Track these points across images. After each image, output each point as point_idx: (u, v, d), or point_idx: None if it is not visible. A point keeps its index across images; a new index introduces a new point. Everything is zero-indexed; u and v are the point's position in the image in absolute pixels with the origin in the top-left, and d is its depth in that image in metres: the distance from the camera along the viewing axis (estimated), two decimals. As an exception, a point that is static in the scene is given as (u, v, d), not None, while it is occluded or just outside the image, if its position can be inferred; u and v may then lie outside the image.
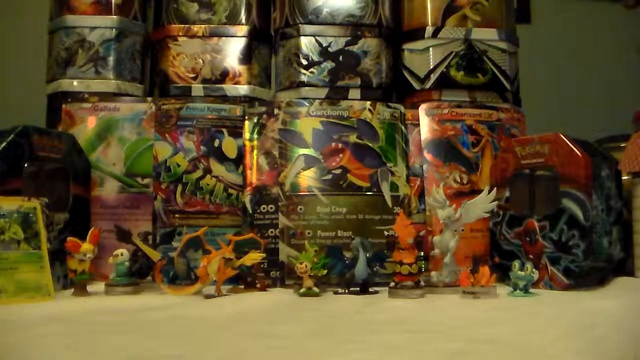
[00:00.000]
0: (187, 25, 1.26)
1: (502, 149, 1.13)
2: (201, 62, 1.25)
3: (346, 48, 1.24)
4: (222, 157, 1.15)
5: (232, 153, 1.15)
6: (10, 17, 1.78)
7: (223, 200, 1.13)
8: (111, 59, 1.24)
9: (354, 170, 1.11)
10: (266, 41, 1.31)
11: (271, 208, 1.09)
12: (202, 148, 1.14)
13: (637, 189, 1.06)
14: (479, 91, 1.24)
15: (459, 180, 1.15)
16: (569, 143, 0.99)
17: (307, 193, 1.09)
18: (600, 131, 1.36)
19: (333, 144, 1.12)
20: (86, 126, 1.15)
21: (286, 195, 1.09)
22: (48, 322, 0.74)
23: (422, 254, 1.05)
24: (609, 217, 0.99)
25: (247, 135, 1.14)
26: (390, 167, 1.13)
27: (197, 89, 1.24)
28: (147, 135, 1.15)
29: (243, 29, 1.27)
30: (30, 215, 0.91)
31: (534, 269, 0.93)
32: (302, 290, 0.94)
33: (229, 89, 1.25)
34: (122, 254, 0.96)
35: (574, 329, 0.70)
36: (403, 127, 1.16)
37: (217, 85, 1.25)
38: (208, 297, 0.92)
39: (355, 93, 1.23)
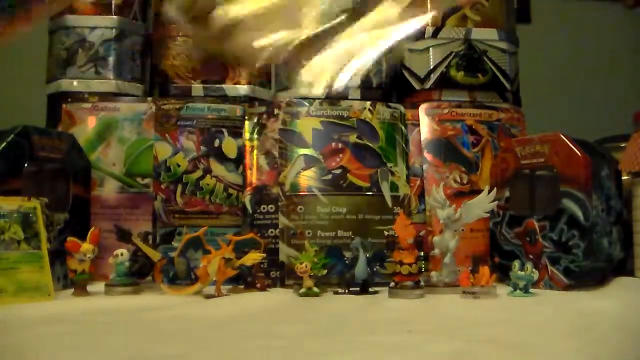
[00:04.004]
0: (187, 25, 1.26)
1: (502, 149, 1.13)
2: (201, 62, 1.25)
3: (346, 48, 1.24)
4: (222, 157, 1.14)
5: (232, 153, 1.15)
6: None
7: (223, 200, 1.13)
8: (111, 59, 1.24)
9: (354, 170, 1.11)
10: (266, 41, 1.31)
11: (271, 208, 1.09)
12: (202, 148, 1.14)
13: (637, 189, 1.06)
14: (479, 91, 1.24)
15: (459, 180, 1.15)
16: (569, 143, 0.99)
17: (307, 193, 1.09)
18: (600, 131, 1.36)
19: (333, 144, 1.12)
20: (86, 126, 1.15)
21: (286, 195, 1.09)
22: (48, 322, 0.74)
23: (422, 254, 1.05)
24: (609, 217, 0.99)
25: (247, 135, 1.14)
26: (390, 167, 1.13)
27: (197, 89, 1.24)
28: (147, 135, 1.15)
29: (243, 29, 1.27)
30: (30, 215, 0.91)
31: (534, 269, 0.93)
32: (302, 290, 0.94)
33: (229, 89, 1.25)
34: (122, 254, 0.96)
35: (574, 329, 0.70)
36: (403, 127, 1.16)
37: (217, 85, 1.25)
38: (208, 297, 0.92)
39: (355, 93, 1.23)
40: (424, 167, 1.15)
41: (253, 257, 0.95)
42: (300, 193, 1.09)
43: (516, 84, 1.29)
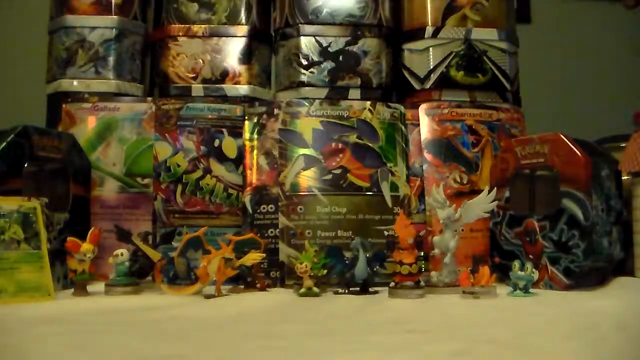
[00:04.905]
0: (187, 25, 1.26)
1: (502, 149, 1.13)
2: (201, 62, 1.25)
3: (346, 48, 1.24)
4: (222, 157, 1.15)
5: (232, 153, 1.15)
6: (11, 17, 1.78)
7: (223, 200, 1.13)
8: (111, 59, 1.24)
9: (354, 170, 1.11)
10: (266, 41, 1.31)
11: (271, 208, 1.09)
12: (202, 148, 1.14)
13: (637, 189, 1.06)
14: (479, 91, 1.24)
15: (459, 180, 1.15)
16: (569, 143, 0.99)
17: (307, 193, 1.09)
18: (600, 131, 1.37)
19: (333, 144, 1.12)
20: (86, 126, 1.15)
21: (286, 195, 1.09)
22: (48, 322, 0.74)
23: (422, 254, 1.05)
24: (609, 217, 0.99)
25: (247, 135, 1.14)
26: (390, 167, 1.13)
27: (197, 89, 1.24)
28: (147, 135, 1.15)
29: (243, 29, 1.27)
30: (30, 215, 0.91)
31: (534, 269, 0.93)
32: (302, 290, 0.94)
33: (229, 89, 1.25)
34: (122, 254, 0.96)
35: (574, 329, 0.70)
36: (403, 127, 1.16)
37: (217, 85, 1.25)
38: (208, 297, 0.92)
39: (355, 93, 1.23)
40: (424, 167, 1.15)
41: (253, 257, 0.95)
42: (300, 193, 1.09)
43: (516, 84, 1.29)
